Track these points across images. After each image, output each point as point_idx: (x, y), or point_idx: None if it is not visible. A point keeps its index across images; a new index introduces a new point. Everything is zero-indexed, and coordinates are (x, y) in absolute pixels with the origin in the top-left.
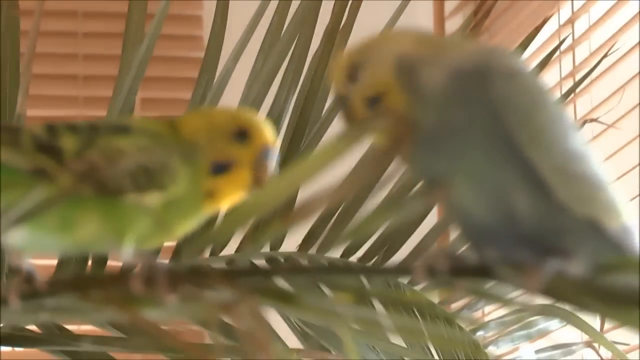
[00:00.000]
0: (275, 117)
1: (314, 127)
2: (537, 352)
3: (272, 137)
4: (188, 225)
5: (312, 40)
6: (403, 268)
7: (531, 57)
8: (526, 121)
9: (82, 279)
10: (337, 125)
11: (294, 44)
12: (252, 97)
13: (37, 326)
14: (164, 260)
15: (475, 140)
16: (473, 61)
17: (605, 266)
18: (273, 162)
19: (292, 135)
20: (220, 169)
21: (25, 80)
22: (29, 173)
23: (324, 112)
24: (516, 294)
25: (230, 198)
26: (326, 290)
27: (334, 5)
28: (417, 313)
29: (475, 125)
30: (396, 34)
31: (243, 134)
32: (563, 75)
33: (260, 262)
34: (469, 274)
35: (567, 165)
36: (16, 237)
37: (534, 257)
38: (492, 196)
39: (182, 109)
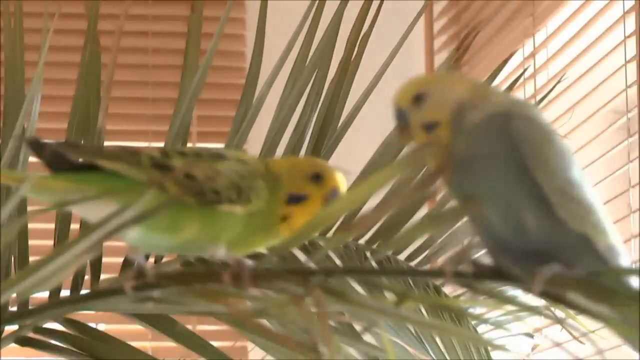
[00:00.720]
0: (300, 131)
1: (332, 138)
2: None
3: (341, 183)
4: (266, 238)
5: (329, 70)
6: (436, 271)
7: (501, 82)
8: (536, 152)
9: (183, 274)
10: (350, 137)
11: (315, 73)
12: (282, 116)
13: None
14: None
15: (496, 166)
16: (502, 107)
17: (596, 274)
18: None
19: (314, 145)
20: (295, 199)
21: (105, 102)
22: (146, 184)
23: (339, 126)
24: (518, 294)
25: (300, 223)
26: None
27: (347, 43)
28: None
29: (497, 155)
30: (458, 79)
31: (318, 176)
32: (527, 97)
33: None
34: (486, 276)
35: (567, 189)
36: (133, 235)
37: (539, 266)
38: (508, 212)
39: (228, 125)
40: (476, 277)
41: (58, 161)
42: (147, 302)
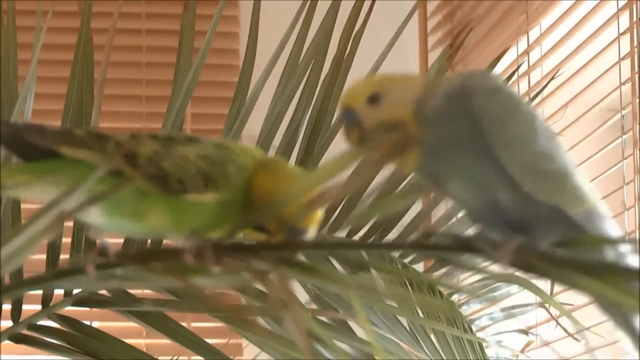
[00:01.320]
0: (294, 128)
1: (324, 136)
2: (501, 310)
3: (313, 224)
4: (233, 223)
5: (323, 68)
6: (398, 244)
7: None
8: (499, 128)
9: (145, 253)
10: (342, 135)
11: (309, 71)
12: (276, 113)
13: (107, 291)
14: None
15: (463, 146)
16: (458, 83)
17: (566, 242)
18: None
19: (307, 142)
20: (260, 229)
21: (99, 100)
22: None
23: (331, 124)
24: (487, 264)
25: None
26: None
27: (339, 41)
28: (407, 282)
29: (462, 135)
30: (412, 78)
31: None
32: (521, 93)
33: None
34: (455, 249)
35: (534, 163)
36: (97, 219)
37: (512, 235)
38: (480, 191)
39: (222, 122)
40: (444, 250)
41: (28, 146)
42: (109, 280)
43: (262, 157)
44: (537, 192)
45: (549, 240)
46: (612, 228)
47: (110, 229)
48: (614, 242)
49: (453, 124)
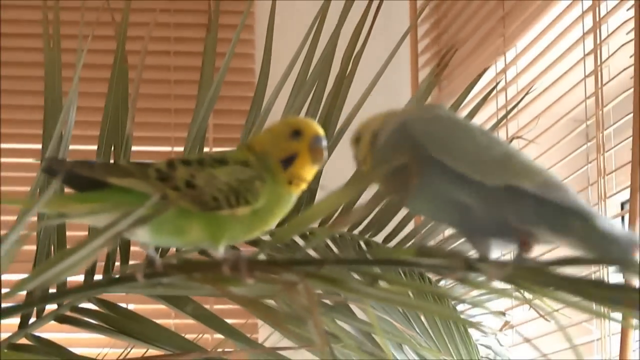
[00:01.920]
0: None
1: (329, 143)
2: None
3: (319, 129)
4: (282, 213)
5: (327, 84)
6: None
7: (476, 95)
8: (444, 144)
9: (187, 264)
10: (346, 141)
11: (315, 87)
12: None
13: None
14: (248, 251)
15: (409, 172)
16: (400, 120)
17: (564, 261)
18: (323, 144)
19: None
20: (288, 162)
21: (132, 112)
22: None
23: (335, 132)
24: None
25: (305, 179)
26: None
27: (342, 61)
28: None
29: (405, 164)
30: (378, 116)
31: (297, 132)
32: (499, 107)
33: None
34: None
35: (478, 156)
36: (144, 237)
37: (500, 243)
38: (446, 204)
39: (239, 131)
40: (451, 270)
41: (76, 177)
42: (157, 286)
43: (242, 145)
44: (488, 177)
45: (539, 233)
46: (574, 195)
47: (156, 244)
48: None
49: (392, 151)
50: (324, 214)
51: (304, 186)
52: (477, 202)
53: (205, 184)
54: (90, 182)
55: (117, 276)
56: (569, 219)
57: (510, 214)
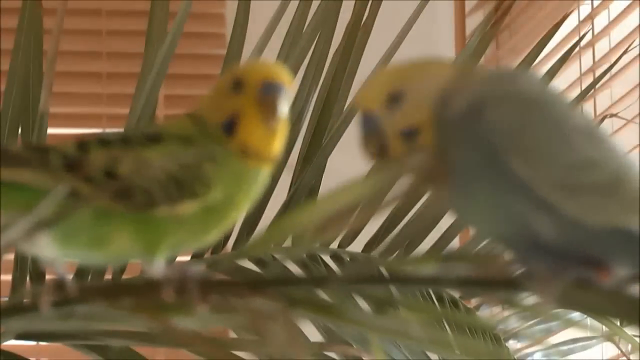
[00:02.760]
0: (296, 114)
1: (335, 124)
2: (556, 345)
3: (270, 72)
4: (245, 201)
5: (333, 39)
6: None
7: (551, 53)
8: (515, 144)
9: (113, 286)
10: (356, 124)
11: (315, 41)
12: None
13: None
14: (198, 267)
15: (482, 168)
16: (479, 90)
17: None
18: (276, 92)
19: (313, 132)
20: (230, 127)
21: (49, 79)
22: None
23: (344, 109)
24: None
25: (260, 146)
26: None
27: (355, 3)
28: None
29: (477, 158)
30: (437, 65)
31: (238, 83)
32: (583, 71)
33: (294, 269)
34: (499, 284)
35: (570, 178)
36: (47, 249)
37: (573, 268)
38: (513, 221)
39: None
40: (486, 286)
41: None
42: (68, 319)
43: (183, 114)
44: (582, 213)
45: (614, 272)
46: None
47: (66, 259)
48: None
49: (465, 138)
50: (327, 214)
51: (271, 158)
52: (556, 234)
53: (132, 173)
54: None
55: (12, 305)
56: None
57: (602, 249)
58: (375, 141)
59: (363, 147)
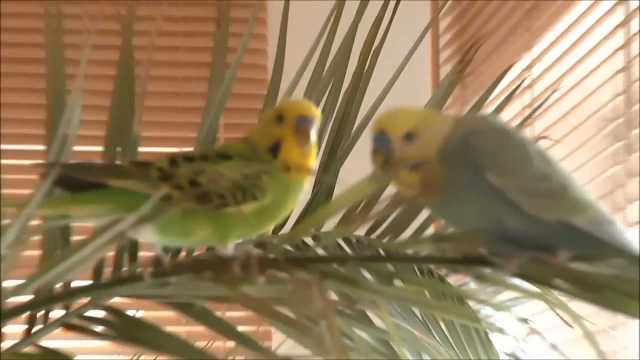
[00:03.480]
0: (319, 134)
1: (347, 141)
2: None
3: (303, 108)
4: (291, 204)
5: (344, 81)
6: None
7: (501, 92)
8: (491, 161)
9: (196, 263)
10: (364, 141)
11: (331, 84)
12: None
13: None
14: (257, 250)
15: (468, 181)
16: (466, 129)
17: (579, 257)
18: (308, 123)
19: (331, 147)
20: (275, 150)
21: (139, 111)
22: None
23: (353, 131)
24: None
25: (299, 164)
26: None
27: (360, 56)
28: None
29: (467, 175)
30: (443, 117)
31: (280, 116)
32: (524, 105)
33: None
34: (473, 262)
35: (531, 187)
36: (149, 237)
37: (530, 251)
38: (490, 218)
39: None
40: (465, 263)
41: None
42: (165, 287)
43: (239, 138)
44: (539, 212)
45: (568, 253)
46: (621, 231)
47: (164, 244)
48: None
49: (458, 162)
50: (342, 208)
51: (307, 172)
52: (521, 226)
53: (209, 182)
54: (90, 182)
55: (121, 276)
56: (610, 252)
57: (552, 240)
58: (384, 156)
59: (372, 156)
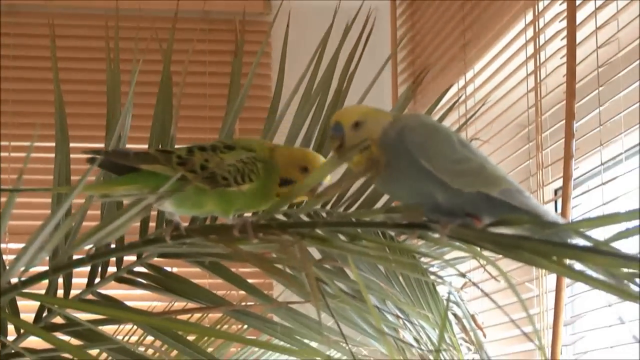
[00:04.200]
0: (308, 138)
1: (329, 144)
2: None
3: (324, 176)
4: (264, 204)
5: (327, 98)
6: (381, 223)
7: (443, 105)
8: (422, 149)
9: (205, 228)
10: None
11: (318, 98)
12: (296, 128)
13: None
14: (251, 218)
15: (403, 167)
16: (401, 124)
17: (499, 222)
18: (319, 187)
19: (317, 148)
20: (285, 183)
21: (175, 119)
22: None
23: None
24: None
25: (290, 200)
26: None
27: (339, 78)
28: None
29: (404, 159)
30: (383, 113)
31: (306, 169)
32: (460, 115)
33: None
34: (417, 227)
35: (455, 167)
36: (170, 209)
37: (459, 218)
38: (423, 195)
39: (259, 134)
40: (410, 227)
41: (115, 164)
42: (181, 246)
43: (268, 144)
44: (462, 186)
45: (490, 219)
46: (529, 196)
47: (181, 214)
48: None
49: (398, 152)
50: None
51: (287, 201)
52: (450, 199)
53: (216, 166)
54: (129, 167)
55: (149, 238)
56: (522, 216)
57: (475, 209)
58: (338, 141)
59: (330, 141)
